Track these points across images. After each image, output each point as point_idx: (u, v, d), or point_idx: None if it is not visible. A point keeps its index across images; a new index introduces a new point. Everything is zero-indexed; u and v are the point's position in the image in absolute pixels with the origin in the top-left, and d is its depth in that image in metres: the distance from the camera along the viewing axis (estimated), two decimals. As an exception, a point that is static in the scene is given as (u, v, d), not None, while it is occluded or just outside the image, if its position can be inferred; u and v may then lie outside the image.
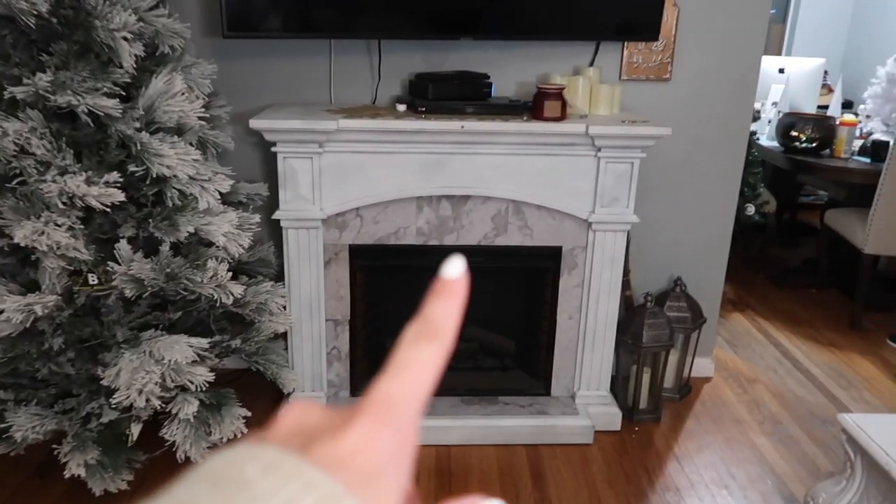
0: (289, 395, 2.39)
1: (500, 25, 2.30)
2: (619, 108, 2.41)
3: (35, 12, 1.67)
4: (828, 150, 3.56)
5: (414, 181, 2.22)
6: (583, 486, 2.17)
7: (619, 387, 2.58)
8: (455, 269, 0.33)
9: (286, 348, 2.36)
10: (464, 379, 2.54)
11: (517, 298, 2.56)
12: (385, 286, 2.48)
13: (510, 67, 2.49)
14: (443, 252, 2.31)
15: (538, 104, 2.18)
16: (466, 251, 2.32)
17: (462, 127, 2.12)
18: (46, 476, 2.13)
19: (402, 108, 2.30)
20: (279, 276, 2.35)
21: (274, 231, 2.37)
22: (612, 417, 2.45)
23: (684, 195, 2.64)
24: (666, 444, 2.43)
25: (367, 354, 2.49)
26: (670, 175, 2.61)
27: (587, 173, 2.24)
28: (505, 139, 2.17)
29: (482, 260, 2.35)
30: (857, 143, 3.55)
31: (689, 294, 2.65)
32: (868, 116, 3.81)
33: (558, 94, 2.17)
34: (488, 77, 2.35)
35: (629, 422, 2.52)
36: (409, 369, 0.29)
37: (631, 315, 2.52)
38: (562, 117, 2.19)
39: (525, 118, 2.20)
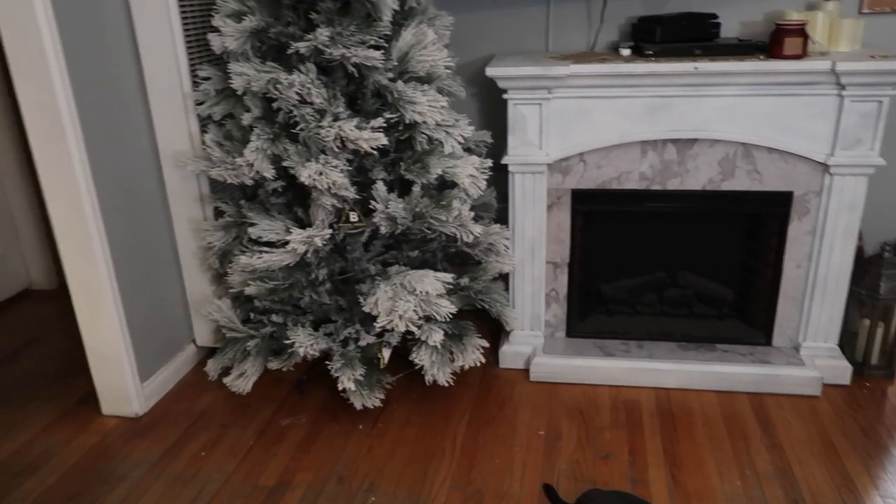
0: (510, 332, 2.52)
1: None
2: (860, 44, 2.26)
3: (315, -26, 1.85)
4: None
5: (639, 125, 2.23)
6: (815, 436, 2.12)
7: (846, 341, 2.47)
8: None
9: (505, 289, 2.49)
10: (678, 325, 2.55)
11: (736, 245, 2.51)
12: (604, 230, 2.52)
13: (735, 6, 2.40)
14: (665, 197, 2.32)
15: (777, 41, 2.10)
16: (689, 196, 2.32)
17: (695, 68, 2.09)
18: (304, 391, 2.42)
19: (626, 52, 2.31)
20: (498, 220, 2.46)
21: (494, 177, 2.48)
22: (840, 371, 2.36)
23: (930, 138, 2.43)
24: (901, 402, 2.30)
25: (583, 297, 2.56)
26: (914, 116, 2.41)
27: (826, 114, 2.13)
28: (739, 80, 2.12)
29: (705, 205, 2.32)
30: None
31: (931, 245, 2.46)
32: None
33: (800, 30, 2.08)
34: (716, 17, 2.29)
35: (858, 377, 2.41)
36: None
37: (864, 266, 2.39)
38: (803, 55, 2.09)
39: (761, 57, 2.13)
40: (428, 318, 2.15)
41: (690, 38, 2.23)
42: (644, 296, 2.63)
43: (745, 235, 2.49)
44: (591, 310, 2.63)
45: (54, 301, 3.23)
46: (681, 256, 2.58)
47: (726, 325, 2.55)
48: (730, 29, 2.43)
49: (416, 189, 2.07)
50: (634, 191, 2.33)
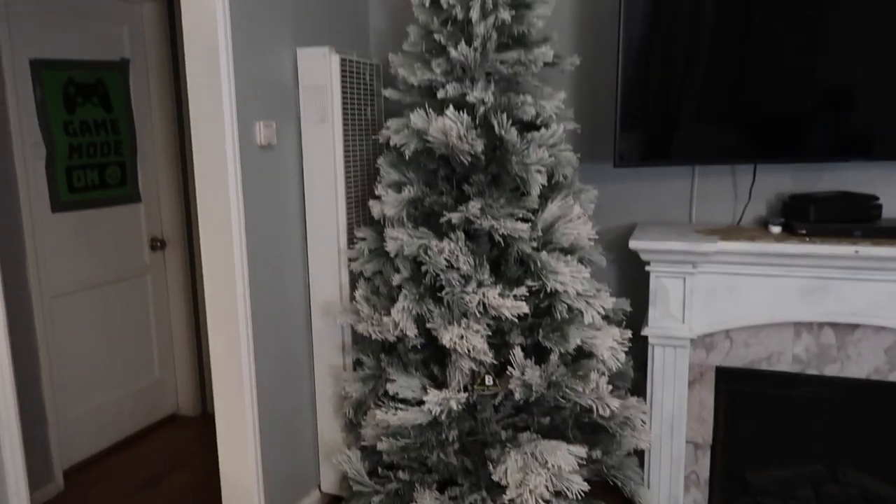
0: (644, 515, 2.35)
1: (894, 146, 2.16)
2: None
3: (472, 153, 2.00)
4: None
5: (792, 305, 2.13)
6: None
7: None
8: None
9: (640, 466, 2.34)
10: (840, 529, 2.26)
11: (910, 444, 2.24)
12: (752, 413, 2.35)
13: (897, 187, 2.31)
14: (822, 383, 2.15)
15: (949, 228, 1.98)
16: (850, 385, 2.13)
17: (856, 252, 2.00)
18: (423, 557, 2.33)
19: (775, 230, 2.25)
20: (634, 391, 2.37)
21: (631, 345, 2.42)
22: None
23: None
24: None
25: (726, 483, 2.35)
26: None
27: None
28: (907, 265, 1.99)
29: (869, 396, 2.12)
30: None
31: None
32: None
33: (977, 218, 1.95)
34: (877, 198, 2.20)
35: None
36: None
37: None
38: (981, 243, 1.95)
39: (931, 243, 2.00)
40: (558, 493, 2.05)
41: (848, 218, 2.15)
42: (798, 489, 2.38)
43: (919, 432, 2.23)
44: (736, 499, 2.40)
45: (197, 428, 3.42)
46: (842, 449, 2.33)
47: (900, 536, 2.23)
48: (891, 210, 2.33)
49: (554, 357, 2.06)
50: (786, 374, 2.18)
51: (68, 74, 2.93)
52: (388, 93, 2.20)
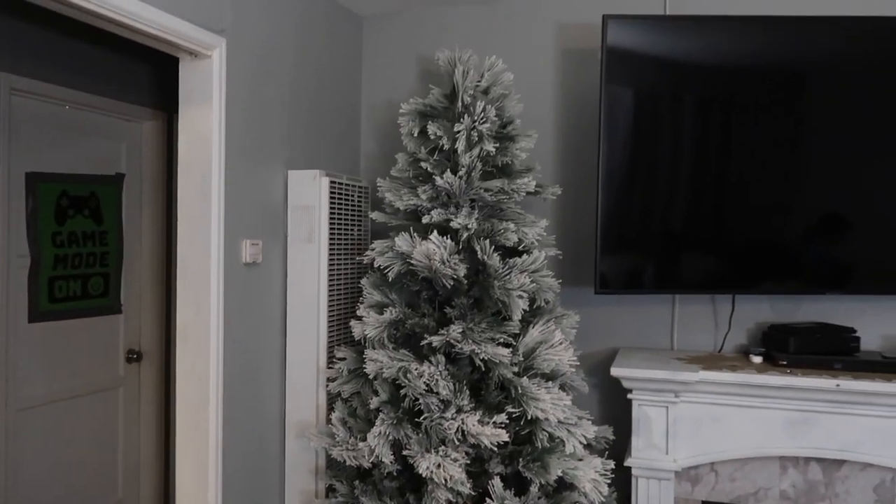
0: None
1: (870, 281, 2.21)
2: None
3: (455, 276, 2.03)
4: None
5: (777, 438, 2.09)
6: None
7: None
8: None
9: None
10: None
11: (907, 591, 2.13)
12: (740, 553, 2.25)
13: (874, 319, 2.34)
14: (813, 522, 2.07)
15: (927, 363, 1.99)
16: (842, 524, 2.06)
17: (837, 385, 1.99)
18: None
19: (756, 359, 2.25)
20: (619, 526, 2.28)
21: (616, 477, 2.35)
22: None
23: None
24: None
25: None
26: None
27: None
28: (889, 401, 1.98)
29: (862, 537, 2.05)
30: None
31: None
32: None
33: (953, 354, 1.96)
34: (854, 331, 2.22)
35: None
36: None
37: None
38: (960, 379, 1.95)
39: (911, 378, 2.00)
40: None
41: (828, 350, 2.16)
42: None
43: (916, 578, 2.13)
44: None
45: (156, 555, 3.20)
46: None
47: None
48: (870, 341, 2.34)
49: (534, 489, 1.98)
50: (776, 511, 2.11)
51: (63, 188, 2.99)
52: (374, 215, 2.25)
